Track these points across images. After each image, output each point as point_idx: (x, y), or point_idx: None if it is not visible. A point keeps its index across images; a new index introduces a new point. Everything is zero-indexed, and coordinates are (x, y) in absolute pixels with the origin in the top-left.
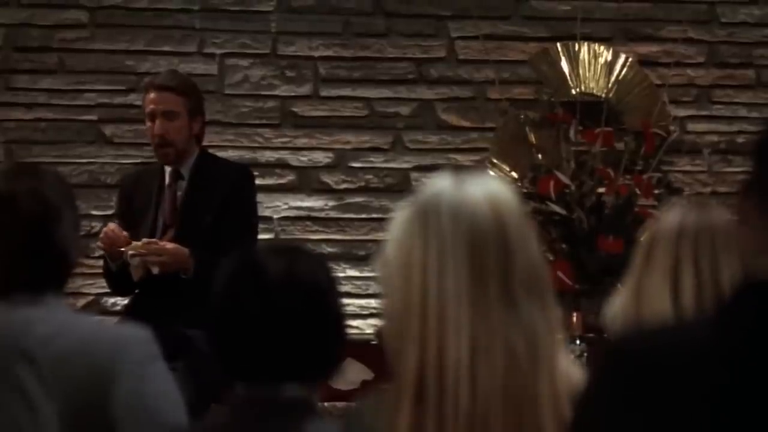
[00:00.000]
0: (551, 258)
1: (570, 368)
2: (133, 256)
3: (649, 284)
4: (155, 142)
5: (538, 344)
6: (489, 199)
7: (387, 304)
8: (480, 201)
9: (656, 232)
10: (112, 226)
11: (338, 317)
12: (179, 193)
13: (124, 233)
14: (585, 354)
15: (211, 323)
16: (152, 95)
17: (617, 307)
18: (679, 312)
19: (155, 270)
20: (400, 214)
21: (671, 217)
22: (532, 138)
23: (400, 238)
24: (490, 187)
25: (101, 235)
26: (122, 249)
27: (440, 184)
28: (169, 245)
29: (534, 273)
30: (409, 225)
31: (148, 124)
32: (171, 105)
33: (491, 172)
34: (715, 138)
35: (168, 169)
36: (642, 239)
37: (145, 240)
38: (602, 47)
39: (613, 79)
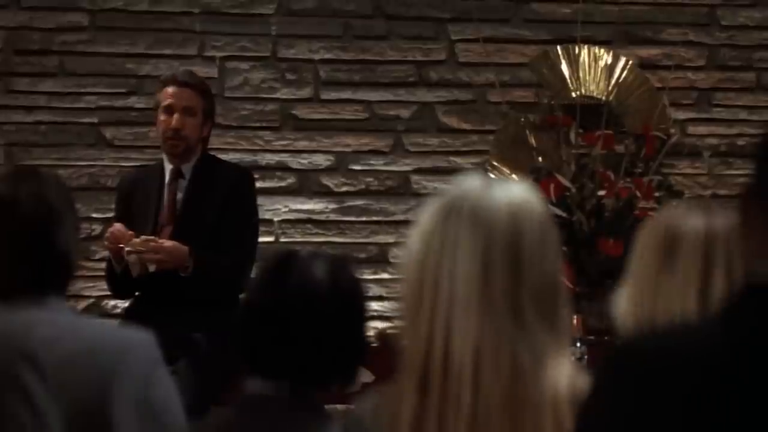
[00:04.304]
0: None
1: (575, 378)
2: (129, 252)
3: (670, 285)
4: (168, 134)
5: (543, 361)
6: (509, 211)
7: (402, 291)
8: (500, 211)
9: (678, 233)
10: (117, 225)
11: (365, 330)
12: (179, 193)
13: (130, 232)
14: (585, 356)
15: (243, 314)
16: (172, 89)
17: (629, 307)
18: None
19: (152, 267)
20: (430, 204)
21: (694, 219)
22: (533, 141)
23: (422, 230)
24: (515, 199)
25: (107, 235)
26: (121, 245)
27: (468, 185)
28: (168, 243)
29: (546, 290)
30: (432, 218)
31: (162, 117)
32: (190, 102)
33: (496, 176)
34: (715, 141)
35: (168, 168)
36: (654, 238)
37: (143, 237)
38: (602, 50)
39: (613, 81)
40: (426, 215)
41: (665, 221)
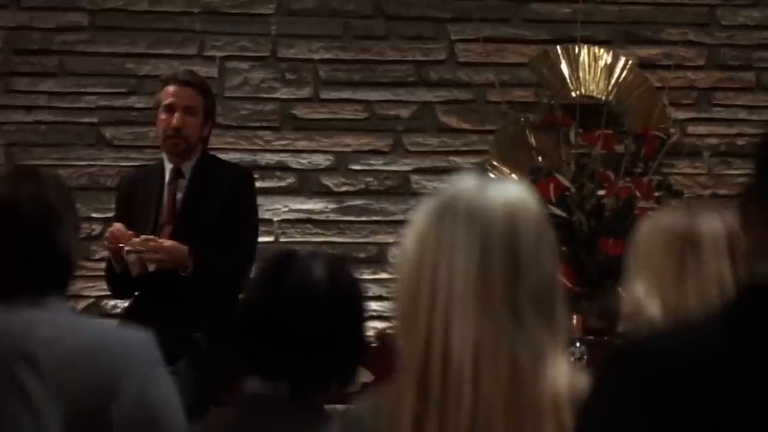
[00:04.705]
0: None
1: (575, 378)
2: (129, 252)
3: (699, 282)
4: (168, 133)
5: (543, 360)
6: (506, 211)
7: (398, 291)
8: (496, 210)
9: (696, 233)
10: (117, 225)
11: (364, 330)
12: (179, 193)
13: (129, 232)
14: (585, 356)
15: (242, 314)
16: (173, 88)
17: (654, 309)
18: None
19: (151, 267)
20: (424, 204)
21: (707, 218)
22: (532, 140)
23: (418, 229)
24: (511, 198)
25: (107, 235)
26: (121, 245)
27: (464, 184)
28: (167, 243)
29: (544, 290)
30: (427, 218)
31: (163, 116)
32: (192, 101)
33: (496, 176)
34: (715, 140)
35: (168, 167)
36: (657, 241)
37: (143, 237)
38: (602, 50)
39: (613, 81)
40: (421, 215)
41: (672, 223)
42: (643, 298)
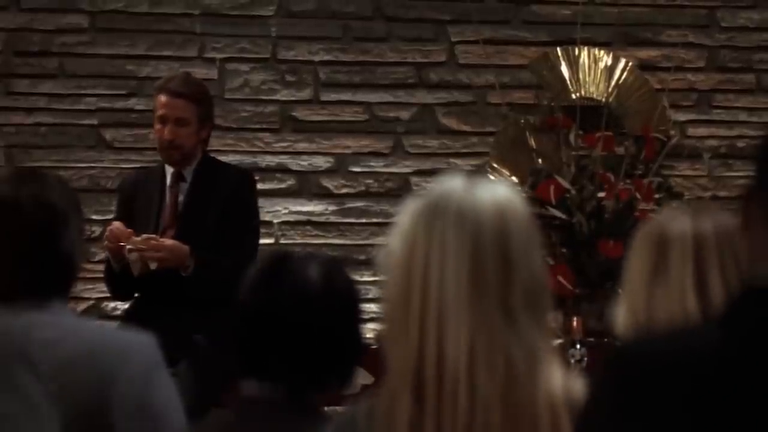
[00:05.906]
0: (551, 262)
1: (571, 382)
2: (131, 251)
3: (665, 291)
4: (163, 145)
5: (537, 360)
6: (496, 210)
7: (386, 293)
8: (487, 210)
9: (666, 237)
10: (117, 224)
11: (361, 331)
12: (180, 196)
13: (129, 230)
14: (585, 358)
15: (237, 315)
16: (165, 99)
17: (626, 316)
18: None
19: (153, 266)
20: (410, 205)
21: (681, 222)
22: (533, 142)
23: (406, 231)
24: (500, 198)
25: (106, 233)
26: (122, 243)
27: (452, 185)
28: (168, 242)
29: (535, 290)
30: (416, 219)
31: (157, 126)
32: (183, 112)
33: (495, 178)
34: (715, 142)
35: (170, 171)
36: (642, 244)
37: (144, 236)
38: (602, 52)
39: (613, 83)
40: (408, 216)
41: (654, 227)
42: (618, 308)
